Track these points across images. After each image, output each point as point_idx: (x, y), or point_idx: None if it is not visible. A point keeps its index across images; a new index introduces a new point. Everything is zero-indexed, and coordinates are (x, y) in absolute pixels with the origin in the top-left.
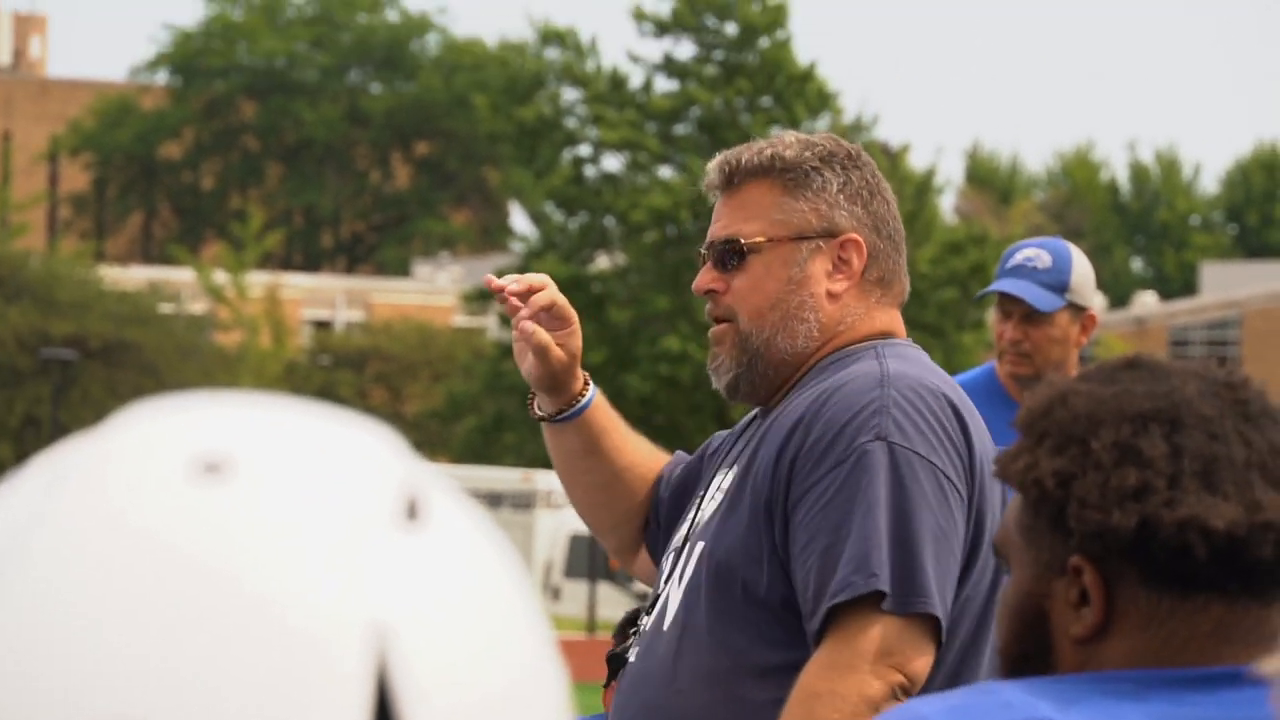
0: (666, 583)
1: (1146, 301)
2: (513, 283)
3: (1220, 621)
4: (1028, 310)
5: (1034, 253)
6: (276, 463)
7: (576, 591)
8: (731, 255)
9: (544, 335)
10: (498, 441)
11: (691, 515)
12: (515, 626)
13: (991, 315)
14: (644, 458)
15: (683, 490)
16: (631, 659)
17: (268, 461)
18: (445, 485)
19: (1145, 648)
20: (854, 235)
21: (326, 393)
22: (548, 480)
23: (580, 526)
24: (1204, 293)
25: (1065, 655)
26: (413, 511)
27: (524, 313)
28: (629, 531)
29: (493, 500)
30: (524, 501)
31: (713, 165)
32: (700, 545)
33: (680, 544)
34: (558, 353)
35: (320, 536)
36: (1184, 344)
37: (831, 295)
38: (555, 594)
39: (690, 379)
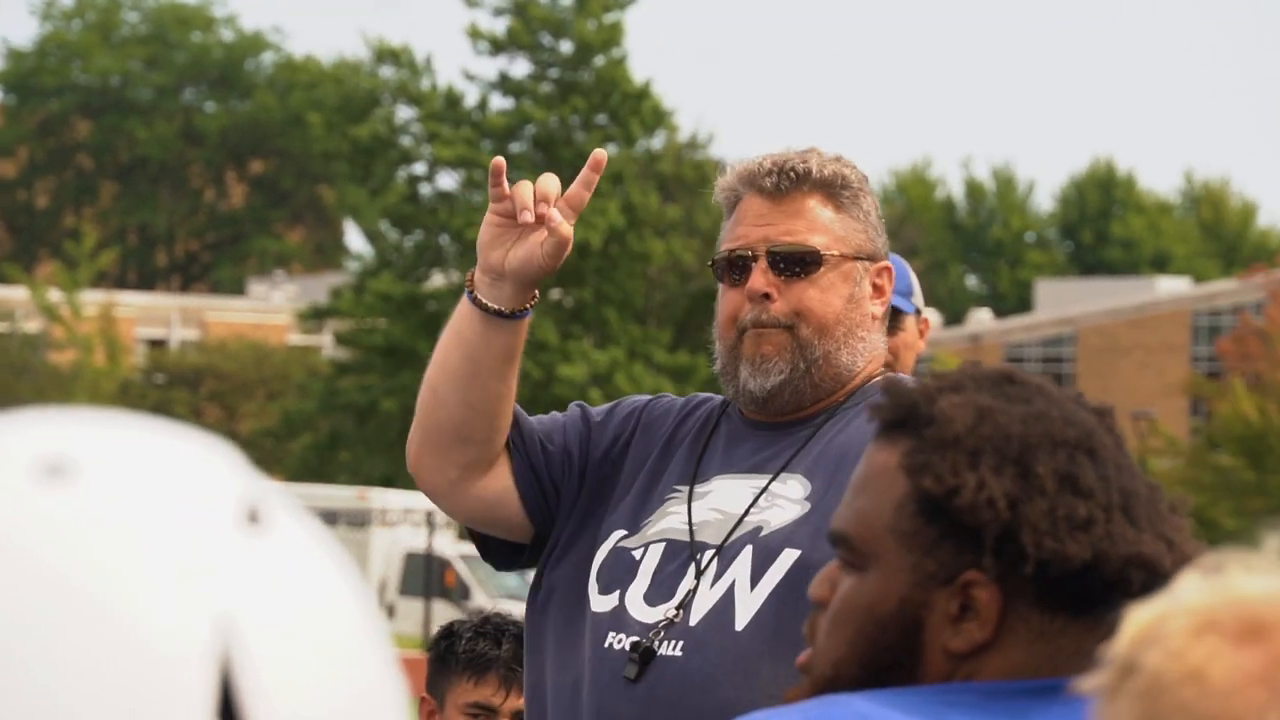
0: (699, 577)
1: (981, 318)
2: (543, 202)
3: (1079, 641)
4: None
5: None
6: (121, 469)
7: (411, 609)
8: (800, 262)
9: (568, 228)
10: (333, 459)
11: (685, 513)
12: (357, 633)
13: None
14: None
15: (575, 460)
16: (671, 653)
17: (112, 467)
18: (284, 497)
19: (1026, 664)
20: (888, 263)
21: (161, 411)
22: (383, 498)
23: (415, 544)
24: (1039, 310)
25: (935, 666)
26: (254, 518)
27: (560, 203)
28: (493, 450)
29: (328, 518)
30: (359, 519)
31: (764, 166)
32: (793, 553)
33: (720, 542)
34: (568, 247)
35: (165, 540)
36: (1019, 361)
37: (874, 319)
38: (390, 611)
39: (526, 397)
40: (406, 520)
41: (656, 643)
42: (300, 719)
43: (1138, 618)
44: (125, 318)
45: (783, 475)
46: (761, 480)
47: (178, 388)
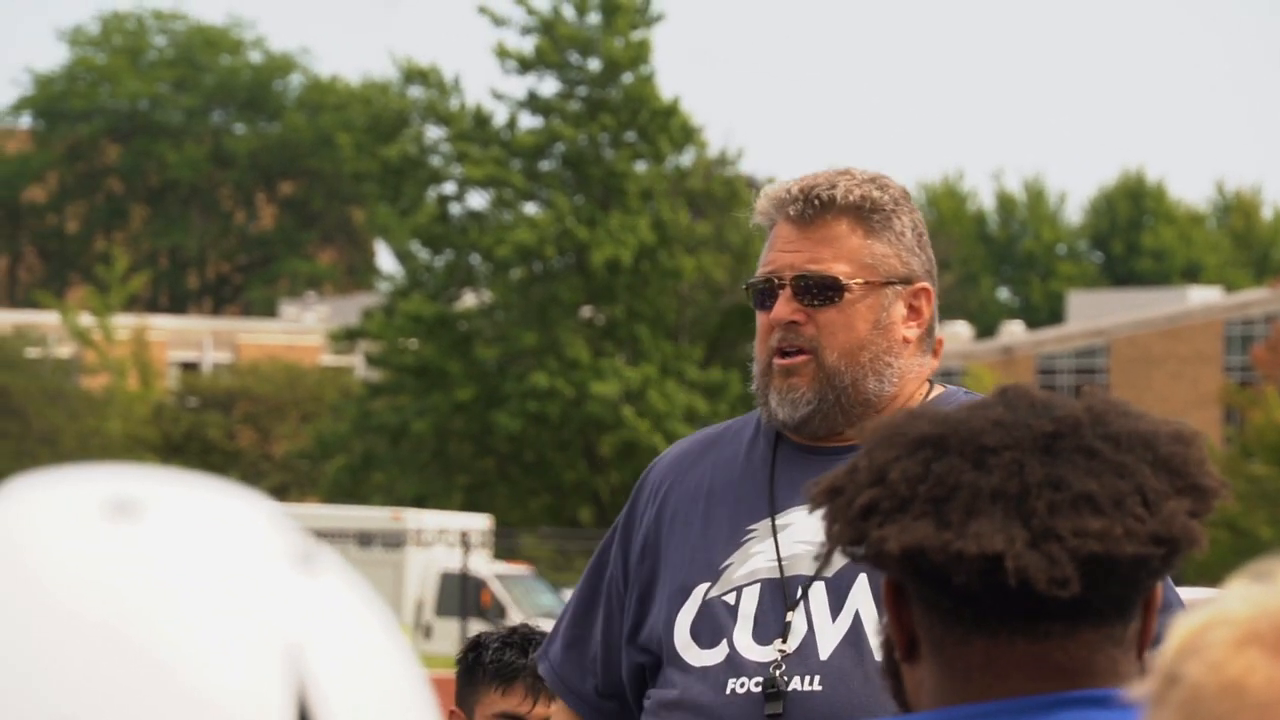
0: (808, 611)
1: (1014, 331)
2: None
3: (988, 655)
4: None
5: None
6: (183, 512)
7: (448, 629)
8: (824, 291)
9: None
10: (367, 480)
11: (771, 549)
12: (405, 659)
13: None
14: None
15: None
16: (807, 688)
17: (175, 510)
18: (322, 546)
19: (940, 674)
20: (925, 284)
21: (195, 434)
22: (417, 518)
23: (451, 564)
24: (1070, 321)
25: (904, 676)
26: (308, 558)
27: None
28: None
29: (363, 539)
30: (394, 540)
31: (792, 192)
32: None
33: (821, 573)
34: None
35: (233, 574)
36: (1051, 372)
37: (906, 342)
38: (426, 632)
39: (559, 415)
40: (441, 540)
41: (784, 680)
42: None
43: (1183, 626)
44: (157, 341)
45: None
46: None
47: (211, 411)
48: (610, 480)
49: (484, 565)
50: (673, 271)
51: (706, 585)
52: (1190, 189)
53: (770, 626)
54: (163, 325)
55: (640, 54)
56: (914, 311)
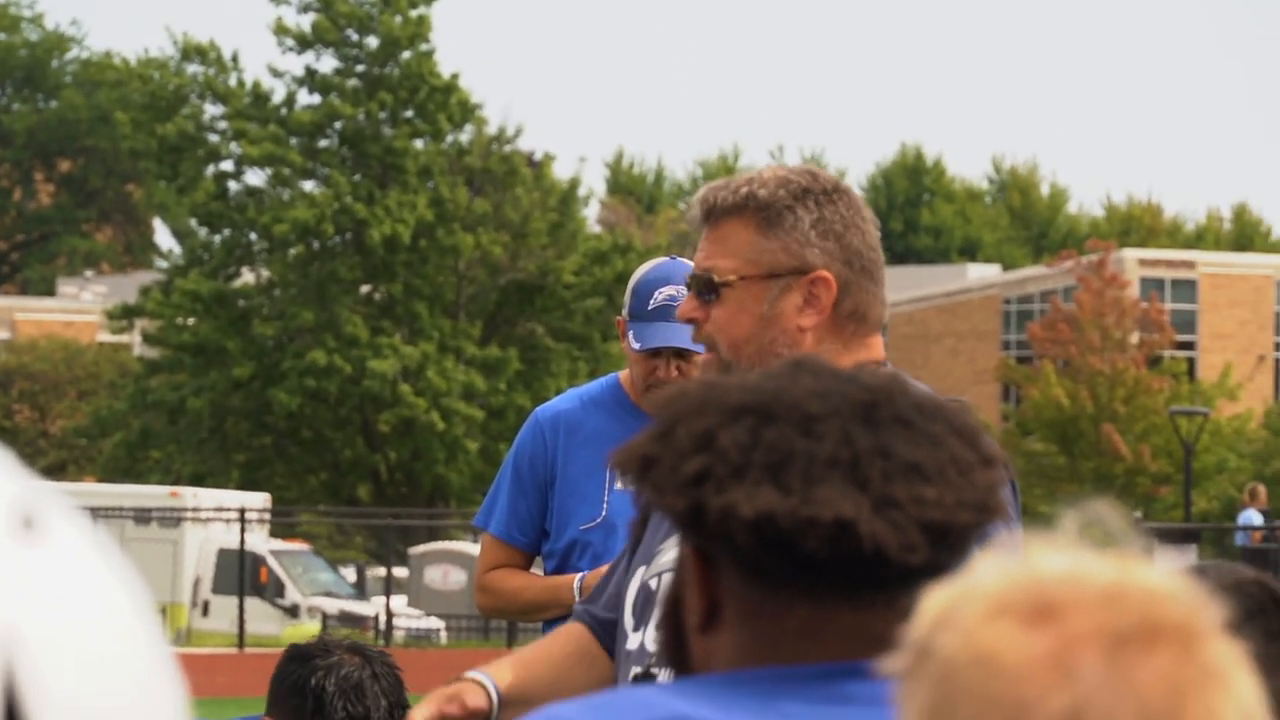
0: None
1: None
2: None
3: (807, 621)
4: (680, 349)
5: (674, 290)
6: None
7: (226, 606)
8: (707, 288)
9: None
10: (144, 458)
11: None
12: (136, 637)
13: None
14: (577, 665)
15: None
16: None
17: None
18: (57, 499)
19: (745, 642)
20: (823, 272)
21: None
22: (195, 496)
23: (229, 541)
24: None
25: (693, 645)
26: (29, 524)
27: None
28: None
29: (141, 517)
30: (172, 518)
31: (694, 200)
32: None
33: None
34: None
35: None
36: None
37: (801, 330)
38: (204, 609)
39: (336, 392)
40: (219, 518)
41: (659, 672)
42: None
43: (935, 599)
44: None
45: None
46: None
47: None
48: (389, 457)
49: (261, 543)
50: (451, 249)
51: (644, 568)
52: (968, 166)
53: None
54: None
55: (419, 31)
56: (812, 299)
